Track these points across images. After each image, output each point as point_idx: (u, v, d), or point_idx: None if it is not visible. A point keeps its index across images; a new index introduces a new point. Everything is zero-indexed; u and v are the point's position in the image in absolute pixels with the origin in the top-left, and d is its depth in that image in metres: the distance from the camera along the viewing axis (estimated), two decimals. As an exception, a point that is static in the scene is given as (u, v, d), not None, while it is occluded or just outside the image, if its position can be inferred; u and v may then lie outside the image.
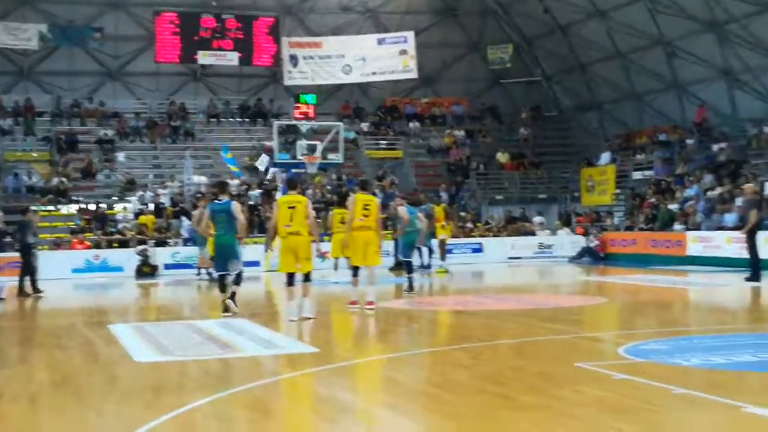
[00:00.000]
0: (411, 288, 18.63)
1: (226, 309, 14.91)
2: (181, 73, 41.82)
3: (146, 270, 27.92)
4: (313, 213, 14.52)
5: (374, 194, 16.44)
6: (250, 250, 26.83)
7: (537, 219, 35.06)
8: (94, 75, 40.71)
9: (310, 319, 14.25)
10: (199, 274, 25.24)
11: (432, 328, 14.45)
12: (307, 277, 14.37)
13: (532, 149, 41.71)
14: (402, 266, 20.90)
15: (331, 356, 11.09)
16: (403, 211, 20.30)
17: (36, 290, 21.02)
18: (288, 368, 10.28)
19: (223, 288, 15.30)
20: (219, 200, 15.15)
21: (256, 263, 25.96)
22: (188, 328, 13.58)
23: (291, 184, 15.00)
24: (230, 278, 15.24)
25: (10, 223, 25.84)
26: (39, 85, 39.96)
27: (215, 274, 16.94)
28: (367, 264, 15.35)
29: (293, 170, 28.42)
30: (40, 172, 34.69)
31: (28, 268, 21.13)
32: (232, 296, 15.03)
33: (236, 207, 15.06)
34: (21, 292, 20.91)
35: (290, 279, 14.28)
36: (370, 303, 15.31)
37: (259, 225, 30.86)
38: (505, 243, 32.54)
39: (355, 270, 15.61)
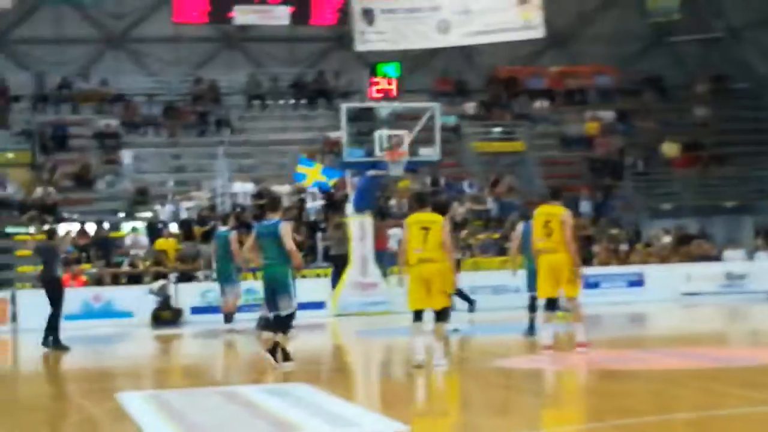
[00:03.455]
0: (531, 332, 20.25)
1: (285, 358, 16.25)
2: (210, 38, 42.41)
3: (166, 315, 28.30)
4: (449, 236, 15.98)
5: (561, 204, 17.65)
6: (309, 287, 27.03)
7: (665, 239, 34.56)
8: (90, 43, 41.56)
9: (441, 366, 15.68)
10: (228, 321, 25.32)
11: (573, 396, 14.35)
12: (441, 316, 15.84)
13: (714, 137, 41.16)
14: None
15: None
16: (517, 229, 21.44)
17: (57, 344, 21.82)
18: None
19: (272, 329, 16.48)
20: (267, 220, 16.52)
21: (319, 305, 26.14)
22: (226, 399, 13.71)
23: (421, 201, 16.53)
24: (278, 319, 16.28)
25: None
26: (14, 59, 40.97)
27: (263, 317, 17.67)
28: (566, 295, 17.25)
29: (371, 172, 28.55)
30: (18, 179, 35.47)
31: (58, 312, 22.08)
32: (274, 348, 16.18)
33: (285, 229, 16.29)
34: (57, 345, 21.74)
35: (419, 315, 15.90)
36: (582, 344, 17.08)
37: (325, 251, 31.04)
38: (677, 273, 32.17)
39: (550, 303, 17.32)
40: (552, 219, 17.01)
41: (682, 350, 18.38)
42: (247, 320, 24.15)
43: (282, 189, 34.20)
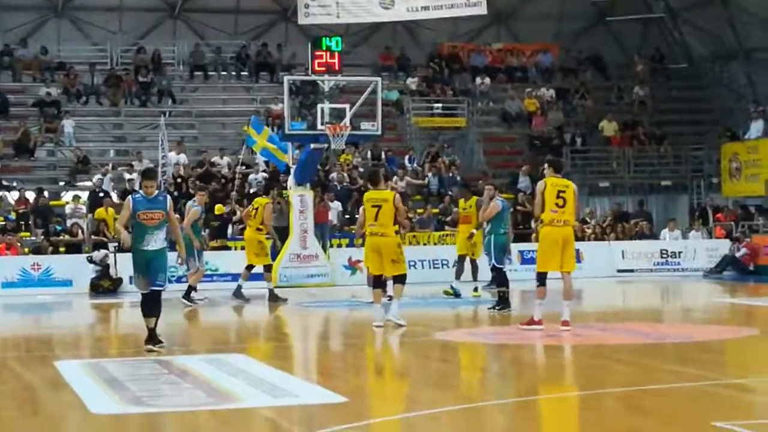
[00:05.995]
0: (506, 304, 20.25)
1: (154, 341, 15.31)
2: (153, 7, 42.08)
3: (105, 285, 28.14)
4: (402, 208, 17.58)
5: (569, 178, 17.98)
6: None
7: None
8: (31, 10, 41.09)
9: (401, 326, 17.19)
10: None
11: (510, 370, 14.44)
12: (397, 279, 17.48)
13: (650, 116, 41.44)
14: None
15: (363, 409, 11.15)
16: (495, 204, 20.62)
17: None
18: (302, 428, 10.32)
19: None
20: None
21: (259, 276, 26.05)
22: (163, 368, 13.69)
23: (374, 179, 17.81)
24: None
25: None
26: (-47, 26, 40.47)
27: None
28: (565, 270, 17.03)
29: (312, 145, 28.50)
30: (-43, 146, 35.15)
31: None
32: (151, 334, 15.33)
33: (125, 204, 15.24)
34: None
35: (377, 281, 17.67)
36: (566, 323, 16.79)
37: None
38: (613, 250, 32.42)
39: (542, 277, 17.08)
40: (566, 191, 16.71)
41: (616, 326, 18.57)
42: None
43: (222, 161, 34.16)
